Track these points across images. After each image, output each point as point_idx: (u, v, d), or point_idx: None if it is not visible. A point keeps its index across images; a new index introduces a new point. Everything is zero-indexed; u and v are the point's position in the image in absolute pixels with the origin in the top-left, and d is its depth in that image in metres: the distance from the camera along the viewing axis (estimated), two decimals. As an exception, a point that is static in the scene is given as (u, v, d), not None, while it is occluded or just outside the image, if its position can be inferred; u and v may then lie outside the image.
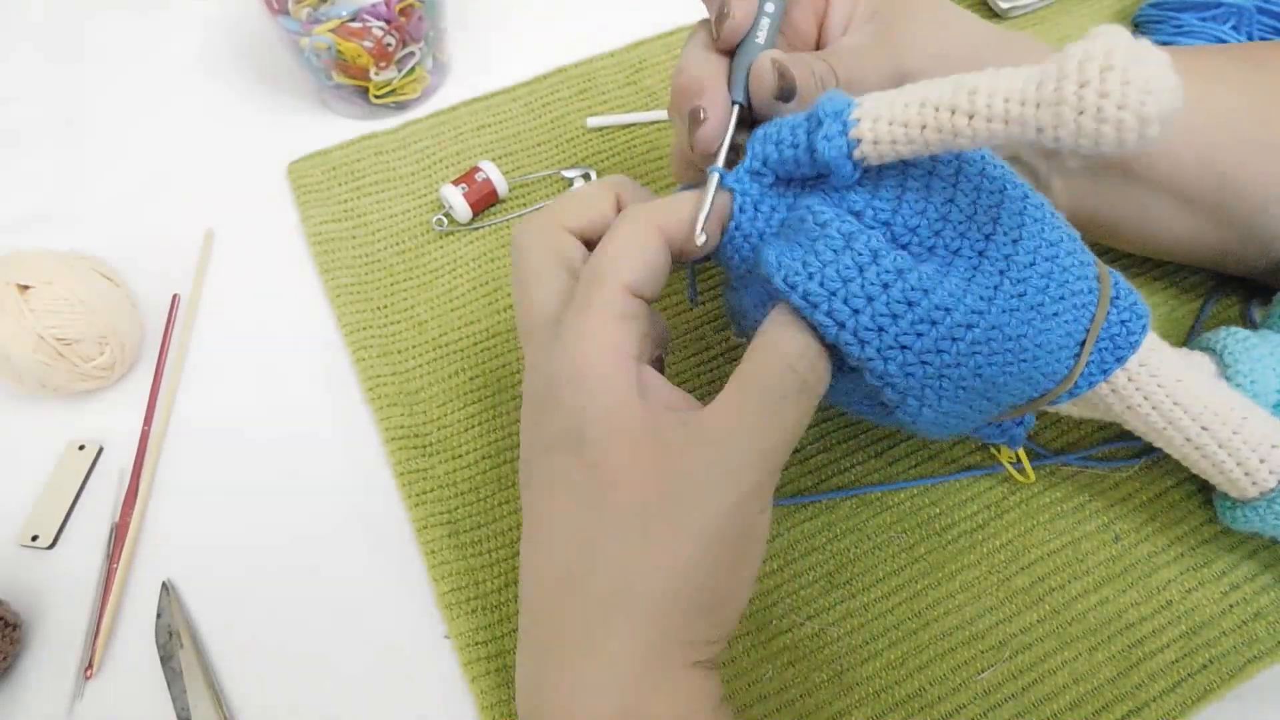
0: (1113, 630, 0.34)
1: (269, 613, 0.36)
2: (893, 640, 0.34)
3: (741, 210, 0.28)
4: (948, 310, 0.24)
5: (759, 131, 0.28)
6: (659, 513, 0.24)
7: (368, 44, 0.46)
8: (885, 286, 0.24)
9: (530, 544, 0.26)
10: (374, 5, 0.44)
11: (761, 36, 0.30)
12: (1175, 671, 0.33)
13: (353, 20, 0.45)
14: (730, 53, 0.31)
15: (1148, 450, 0.37)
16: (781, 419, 0.25)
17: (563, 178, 0.47)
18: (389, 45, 0.46)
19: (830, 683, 0.33)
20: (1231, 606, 0.34)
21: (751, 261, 0.28)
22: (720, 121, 0.30)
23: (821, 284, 0.25)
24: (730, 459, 0.24)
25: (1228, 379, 0.33)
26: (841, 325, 0.24)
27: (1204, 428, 0.31)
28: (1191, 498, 0.37)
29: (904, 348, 0.25)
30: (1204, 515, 0.36)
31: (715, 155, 0.29)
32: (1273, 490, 0.31)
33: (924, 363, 0.25)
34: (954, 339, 0.25)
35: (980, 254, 0.26)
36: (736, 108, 0.30)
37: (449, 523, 0.37)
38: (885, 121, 0.24)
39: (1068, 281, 0.27)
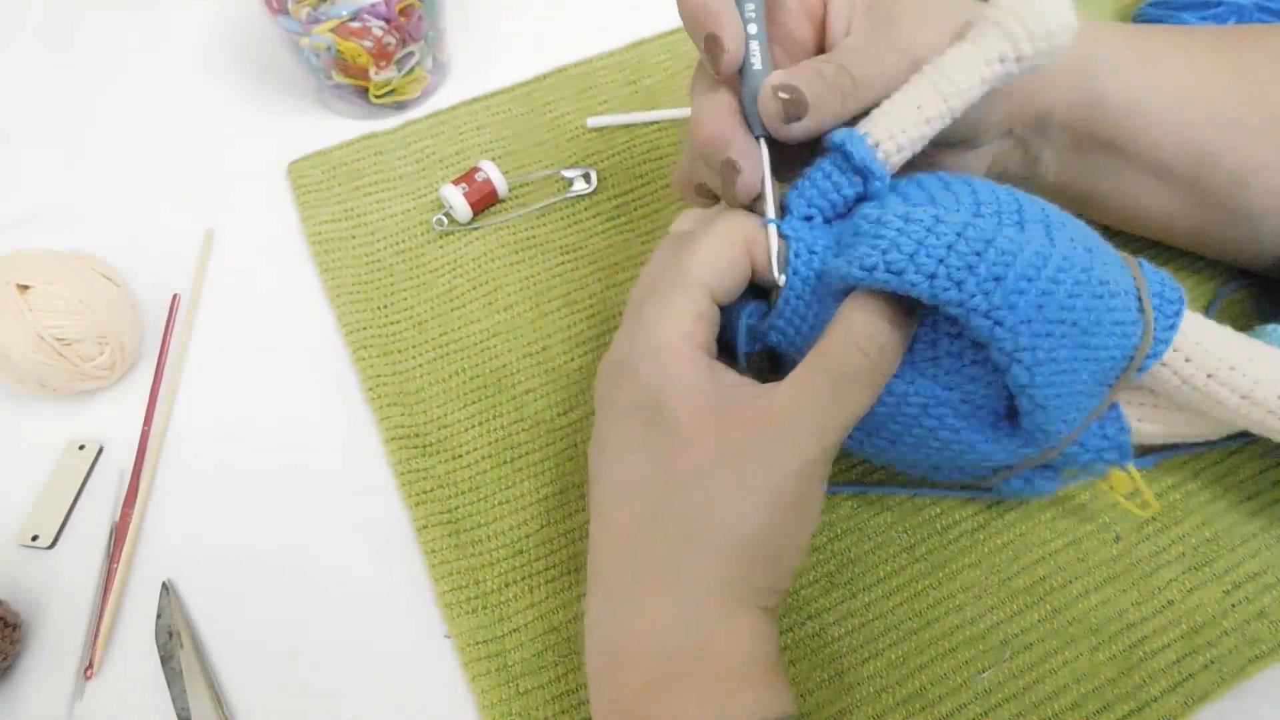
0: (1114, 630, 0.34)
1: (269, 613, 0.36)
2: (893, 640, 0.34)
3: (797, 255, 0.29)
4: (1015, 253, 0.26)
5: (793, 191, 0.30)
6: (726, 473, 0.26)
7: (367, 44, 0.46)
8: (950, 247, 0.26)
9: (606, 497, 0.28)
10: (374, 5, 0.44)
11: (756, 61, 0.30)
12: (1176, 671, 0.33)
13: (352, 20, 0.45)
14: (735, 83, 0.31)
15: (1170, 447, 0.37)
16: (847, 399, 0.27)
17: (563, 177, 0.47)
18: (389, 45, 0.46)
19: (830, 683, 0.33)
20: (1233, 606, 0.34)
21: (808, 298, 0.29)
22: (754, 166, 0.29)
23: (900, 250, 0.26)
24: (793, 431, 0.26)
25: None
26: (932, 276, 0.26)
27: (1269, 411, 0.30)
28: (1191, 498, 0.37)
29: (995, 281, 0.25)
30: (1205, 515, 0.36)
31: (761, 198, 0.30)
32: None
33: (1012, 304, 0.26)
34: (1031, 277, 0.26)
35: (1019, 214, 0.28)
36: (762, 141, 0.30)
37: (449, 523, 0.37)
38: (895, 142, 0.29)
39: (1098, 243, 0.29)
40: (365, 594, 0.36)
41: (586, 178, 0.47)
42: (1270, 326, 0.35)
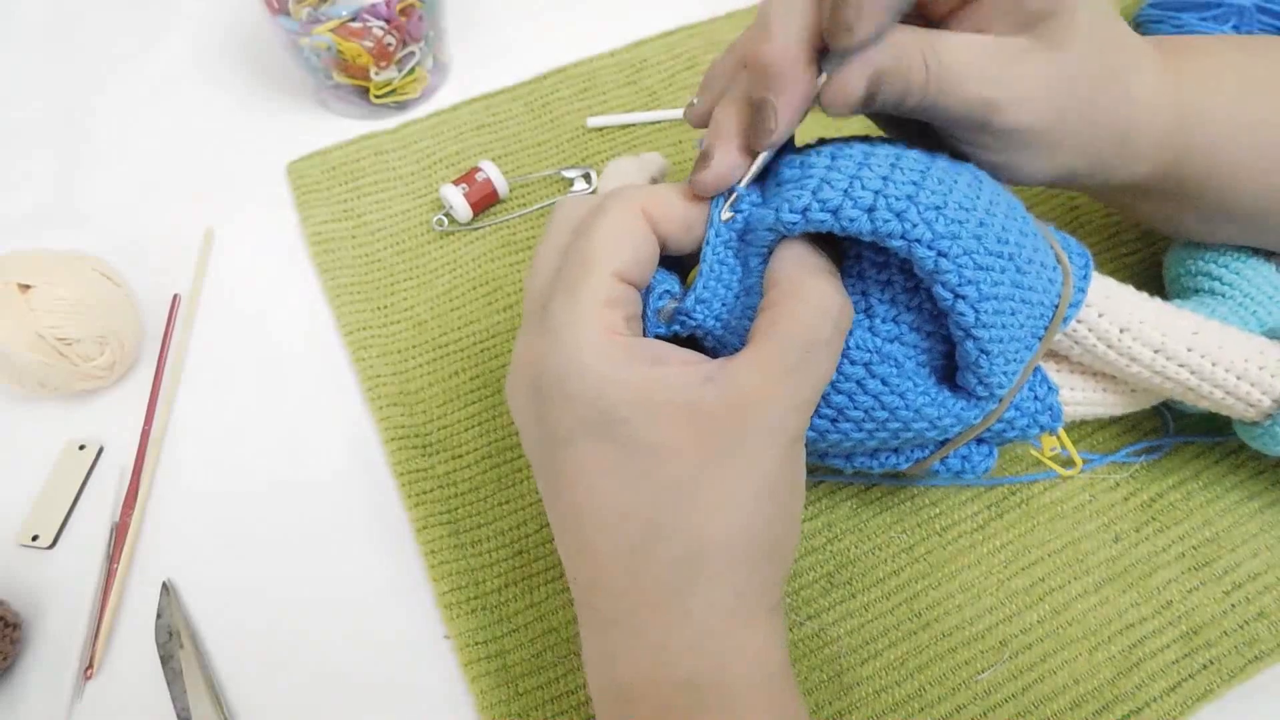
0: (1113, 630, 0.34)
1: (269, 613, 0.36)
2: (892, 640, 0.34)
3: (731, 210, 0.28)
4: (951, 182, 0.26)
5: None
6: (714, 474, 0.24)
7: (368, 44, 0.46)
8: (885, 178, 0.25)
9: (582, 530, 0.26)
10: (374, 5, 0.44)
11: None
12: (1175, 671, 0.33)
13: (353, 20, 0.45)
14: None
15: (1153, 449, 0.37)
16: (817, 365, 0.25)
17: (563, 177, 0.47)
18: (389, 45, 0.46)
19: (830, 683, 0.33)
20: (1233, 606, 0.34)
21: (731, 263, 0.28)
22: (790, 123, 0.27)
23: (833, 186, 0.25)
24: (773, 414, 0.24)
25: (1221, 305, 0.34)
26: (870, 209, 0.25)
27: (1181, 364, 0.31)
28: (1191, 498, 0.37)
29: (936, 210, 0.25)
30: (1204, 515, 0.36)
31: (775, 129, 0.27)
32: (1274, 410, 0.31)
33: (955, 234, 0.25)
34: (969, 206, 0.25)
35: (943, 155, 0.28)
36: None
37: (449, 522, 0.37)
38: None
39: (1007, 196, 0.29)
40: (365, 594, 0.36)
41: (586, 178, 0.47)
42: (1175, 302, 0.35)
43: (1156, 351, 0.31)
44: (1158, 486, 0.37)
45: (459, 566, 0.36)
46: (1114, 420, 0.38)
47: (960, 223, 0.25)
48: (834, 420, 0.28)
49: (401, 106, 0.51)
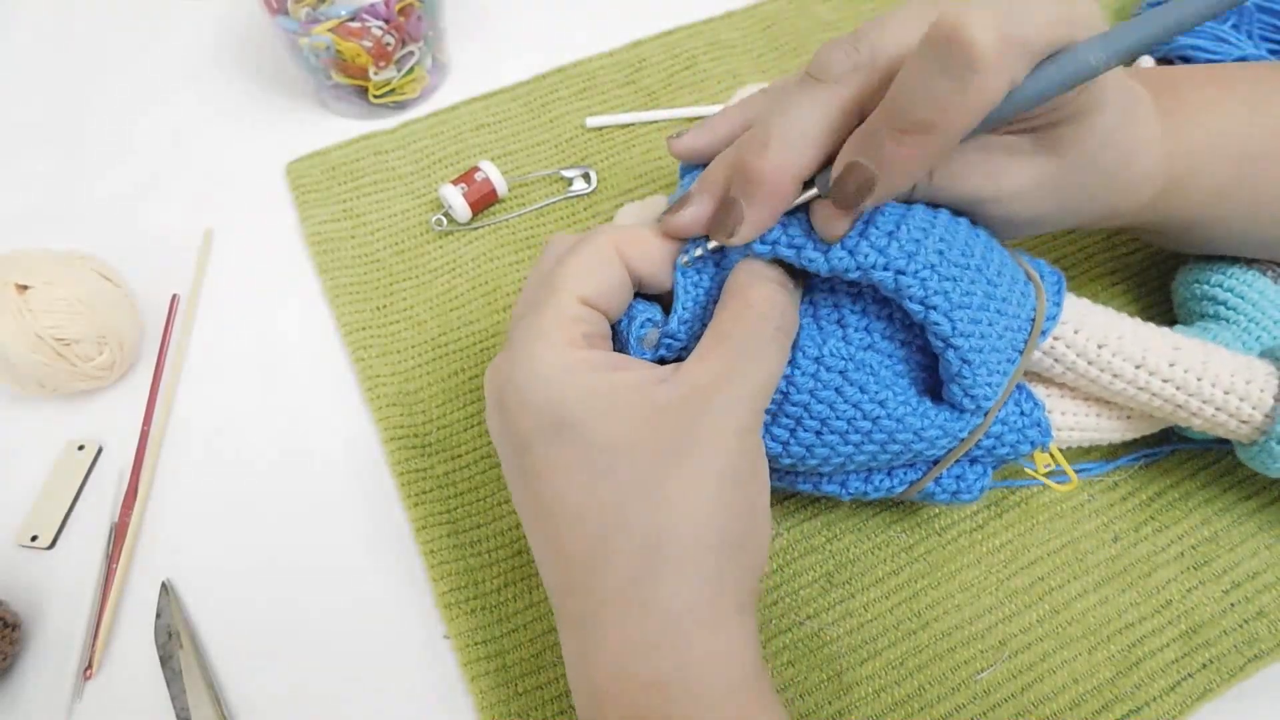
0: (1112, 630, 0.34)
1: (269, 613, 0.36)
2: (892, 640, 0.34)
3: (695, 244, 0.29)
4: (903, 215, 0.27)
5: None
6: (669, 470, 0.25)
7: (367, 44, 0.46)
8: (866, 223, 0.27)
9: (546, 532, 0.26)
10: (373, 5, 0.44)
11: None
12: (1175, 671, 0.33)
13: (352, 20, 0.45)
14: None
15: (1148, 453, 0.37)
16: (761, 357, 0.26)
17: (562, 177, 0.47)
18: (388, 45, 0.46)
19: (830, 683, 0.33)
20: (1232, 605, 0.34)
21: (710, 293, 0.29)
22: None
23: (799, 226, 0.27)
24: (720, 405, 0.25)
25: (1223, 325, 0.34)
26: (826, 251, 0.27)
27: (1165, 380, 0.31)
28: (1190, 498, 0.37)
29: (889, 237, 0.27)
30: (1203, 515, 0.36)
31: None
32: (1266, 426, 0.31)
33: (910, 253, 0.26)
34: (926, 229, 0.27)
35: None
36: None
37: (449, 523, 0.37)
38: None
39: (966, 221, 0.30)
40: (365, 594, 0.36)
41: (586, 178, 0.47)
42: (1173, 329, 0.36)
43: (1138, 367, 0.31)
44: (1157, 486, 0.37)
45: (459, 566, 0.36)
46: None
47: (917, 241, 0.27)
48: (818, 432, 0.29)
49: (400, 106, 0.51)
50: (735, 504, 0.25)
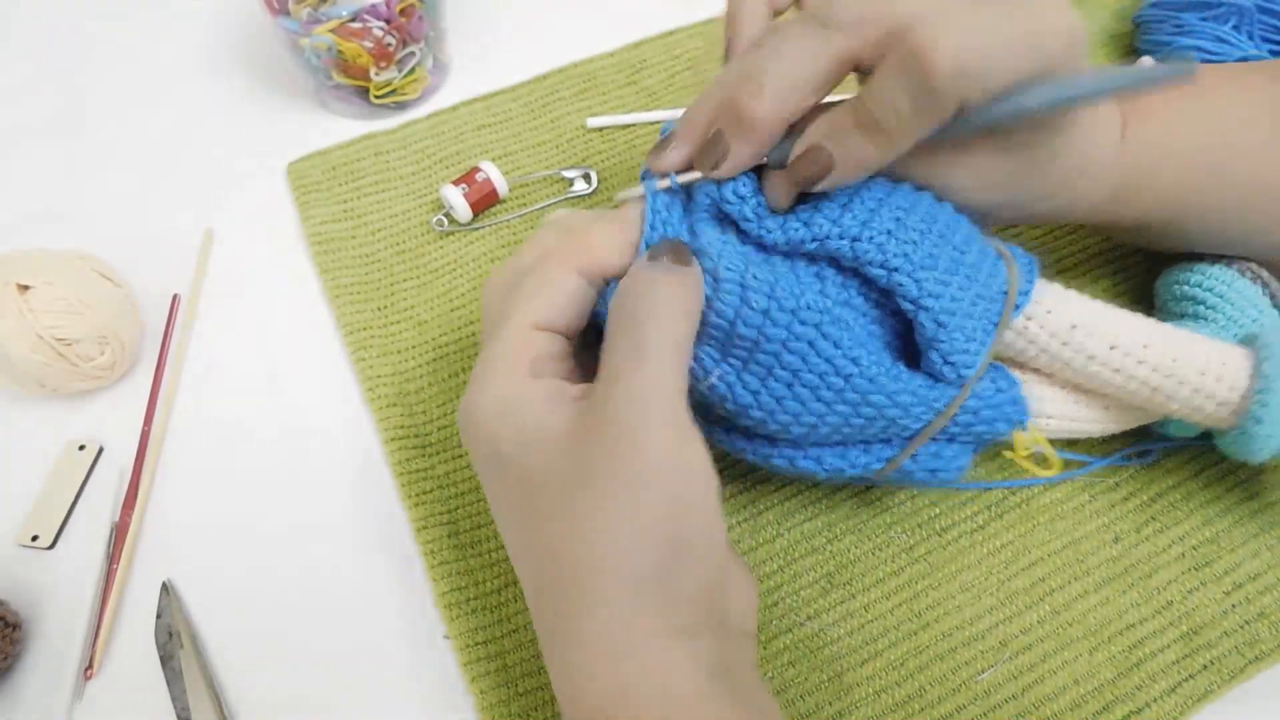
0: (1113, 631, 0.34)
1: (269, 613, 0.36)
2: (893, 641, 0.34)
3: (653, 228, 0.29)
4: (860, 189, 0.28)
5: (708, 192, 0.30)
6: (586, 496, 0.24)
7: (368, 44, 0.46)
8: (823, 196, 0.28)
9: (514, 562, 0.28)
10: (374, 5, 0.44)
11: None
12: (1176, 672, 0.33)
13: (353, 20, 0.45)
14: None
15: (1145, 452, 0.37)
16: (657, 357, 0.25)
17: (563, 177, 0.47)
18: (389, 45, 0.46)
19: (830, 683, 0.33)
20: (1233, 607, 0.34)
21: (680, 215, 0.30)
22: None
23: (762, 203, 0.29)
24: (628, 410, 0.24)
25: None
26: (784, 224, 0.28)
27: (1140, 360, 0.31)
28: (1191, 498, 0.37)
29: (842, 208, 0.28)
30: (1204, 515, 0.36)
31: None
32: (1243, 408, 0.31)
33: (865, 220, 0.27)
34: (881, 198, 0.28)
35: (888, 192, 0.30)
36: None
37: (448, 522, 0.37)
38: None
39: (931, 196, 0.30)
40: (365, 594, 0.36)
41: (587, 178, 0.47)
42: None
43: (1113, 347, 0.31)
44: (1158, 486, 0.37)
45: (459, 567, 0.36)
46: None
47: (871, 210, 0.27)
48: (790, 384, 0.28)
49: (401, 107, 0.51)
50: (658, 521, 0.24)
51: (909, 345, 0.30)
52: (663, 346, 0.26)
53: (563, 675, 0.25)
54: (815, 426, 0.29)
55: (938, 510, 0.37)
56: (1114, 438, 0.36)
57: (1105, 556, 0.35)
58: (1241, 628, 0.34)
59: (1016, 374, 0.33)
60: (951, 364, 0.28)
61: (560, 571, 0.25)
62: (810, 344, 0.28)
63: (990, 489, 0.37)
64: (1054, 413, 0.33)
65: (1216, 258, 0.36)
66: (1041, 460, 0.32)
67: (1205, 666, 0.33)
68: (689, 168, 0.30)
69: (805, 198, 0.29)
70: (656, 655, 0.24)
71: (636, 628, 0.24)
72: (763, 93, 0.27)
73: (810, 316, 0.28)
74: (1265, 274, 0.35)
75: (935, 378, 0.29)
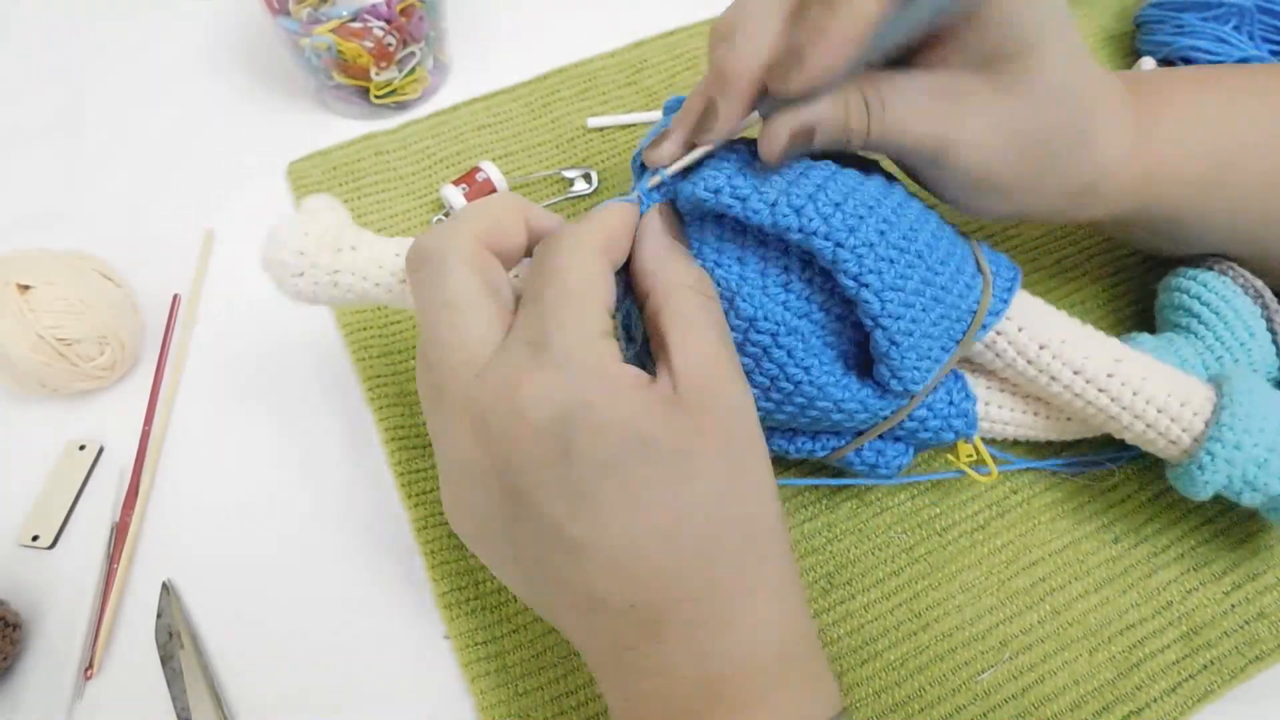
0: (1113, 631, 0.34)
1: (269, 613, 0.36)
2: (893, 641, 0.34)
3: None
4: (855, 187, 0.28)
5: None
6: (734, 457, 0.25)
7: (368, 44, 0.46)
8: (791, 181, 0.28)
9: (627, 561, 0.25)
10: (374, 5, 0.44)
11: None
12: (1176, 672, 0.33)
13: (353, 20, 0.45)
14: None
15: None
16: (725, 336, 0.27)
17: (563, 177, 0.47)
18: (389, 45, 0.46)
19: (830, 683, 0.33)
20: (1233, 607, 0.34)
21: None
22: (732, 126, 0.28)
23: (745, 178, 0.28)
24: (728, 391, 0.26)
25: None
26: (774, 204, 0.27)
27: (1100, 389, 0.31)
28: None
29: (834, 206, 0.27)
30: (1204, 515, 0.36)
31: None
32: (1193, 450, 0.31)
33: (852, 228, 0.27)
34: (872, 205, 0.28)
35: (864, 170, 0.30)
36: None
37: (448, 523, 0.37)
38: None
39: (921, 205, 0.31)
40: (365, 594, 0.36)
41: (587, 178, 0.47)
42: (1139, 335, 0.36)
43: (1076, 373, 0.31)
44: (1158, 486, 0.37)
45: (459, 567, 0.36)
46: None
47: (860, 217, 0.27)
48: None
49: (402, 107, 0.51)
50: (769, 476, 0.27)
51: (866, 350, 0.30)
52: (712, 316, 0.27)
53: (731, 637, 0.25)
54: (764, 420, 0.30)
55: (938, 510, 0.37)
56: (1072, 444, 0.36)
57: (1105, 556, 0.35)
58: (1241, 628, 0.34)
59: (980, 382, 0.34)
60: (899, 379, 0.29)
61: (729, 536, 0.25)
62: (764, 350, 0.29)
63: (915, 481, 0.37)
64: (1010, 419, 0.34)
65: (1222, 264, 0.36)
66: (977, 462, 0.33)
67: (1205, 666, 0.33)
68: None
69: (803, 191, 0.29)
70: (797, 606, 0.26)
71: (789, 580, 0.26)
72: (733, 39, 0.27)
73: (766, 327, 0.29)
74: (1267, 293, 0.35)
75: (883, 387, 0.30)
